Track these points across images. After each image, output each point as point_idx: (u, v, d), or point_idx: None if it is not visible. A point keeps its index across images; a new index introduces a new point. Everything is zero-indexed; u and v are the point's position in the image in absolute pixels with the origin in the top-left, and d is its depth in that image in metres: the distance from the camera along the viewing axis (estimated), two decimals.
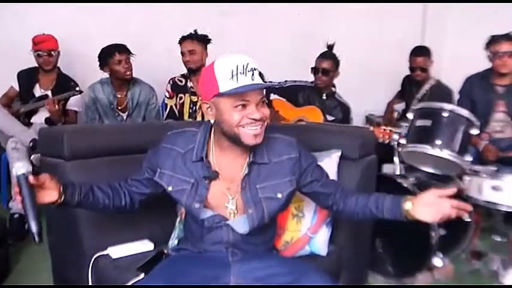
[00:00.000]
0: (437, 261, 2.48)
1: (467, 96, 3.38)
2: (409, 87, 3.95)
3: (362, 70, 4.57)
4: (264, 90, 1.60)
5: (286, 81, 3.56)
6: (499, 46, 3.14)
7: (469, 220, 2.65)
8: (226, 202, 1.58)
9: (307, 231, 1.92)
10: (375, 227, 2.32)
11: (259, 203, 1.57)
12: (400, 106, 4.11)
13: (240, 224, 1.59)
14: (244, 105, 1.46)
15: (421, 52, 3.76)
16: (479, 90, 3.34)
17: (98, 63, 3.37)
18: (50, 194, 1.47)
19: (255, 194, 1.57)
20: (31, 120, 3.41)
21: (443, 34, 4.82)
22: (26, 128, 3.19)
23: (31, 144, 2.98)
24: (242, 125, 1.47)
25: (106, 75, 3.45)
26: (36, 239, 1.34)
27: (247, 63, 1.45)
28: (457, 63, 4.21)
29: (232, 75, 1.43)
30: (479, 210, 2.72)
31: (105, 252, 1.81)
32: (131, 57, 3.40)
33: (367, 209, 1.62)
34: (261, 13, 4.42)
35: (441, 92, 3.64)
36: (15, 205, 2.98)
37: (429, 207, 1.51)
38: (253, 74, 1.45)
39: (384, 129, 2.77)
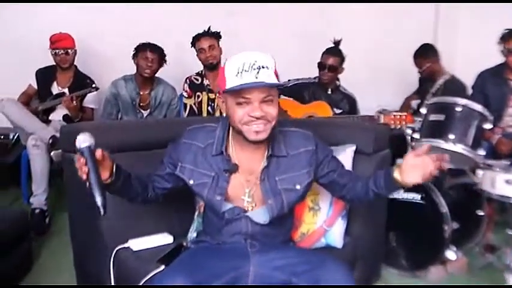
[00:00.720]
0: (450, 254, 2.50)
1: (480, 91, 3.37)
2: (424, 83, 3.95)
3: (374, 69, 4.57)
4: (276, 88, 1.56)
5: (289, 80, 3.58)
6: None
7: (482, 214, 2.67)
8: (243, 195, 1.62)
9: (322, 224, 1.95)
10: (388, 221, 2.35)
11: (279, 194, 1.60)
12: (416, 103, 4.10)
13: (260, 215, 1.62)
14: (247, 103, 1.48)
15: (419, 53, 3.77)
16: (492, 85, 3.33)
17: (133, 53, 3.46)
18: (103, 172, 1.45)
19: (274, 186, 1.61)
20: (49, 118, 3.45)
21: (455, 34, 4.80)
22: (45, 125, 3.24)
23: (50, 141, 3.05)
24: (245, 122, 1.50)
25: (126, 72, 3.52)
26: (102, 211, 1.34)
27: (255, 61, 1.46)
28: (468, 63, 4.17)
29: (238, 73, 1.45)
30: (493, 204, 2.73)
31: (126, 245, 1.85)
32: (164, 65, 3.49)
33: (370, 191, 1.65)
34: (267, 13, 4.44)
35: (455, 86, 3.62)
36: (36, 200, 3.04)
37: (414, 169, 1.51)
38: (258, 72, 1.45)
39: (395, 115, 2.78)
